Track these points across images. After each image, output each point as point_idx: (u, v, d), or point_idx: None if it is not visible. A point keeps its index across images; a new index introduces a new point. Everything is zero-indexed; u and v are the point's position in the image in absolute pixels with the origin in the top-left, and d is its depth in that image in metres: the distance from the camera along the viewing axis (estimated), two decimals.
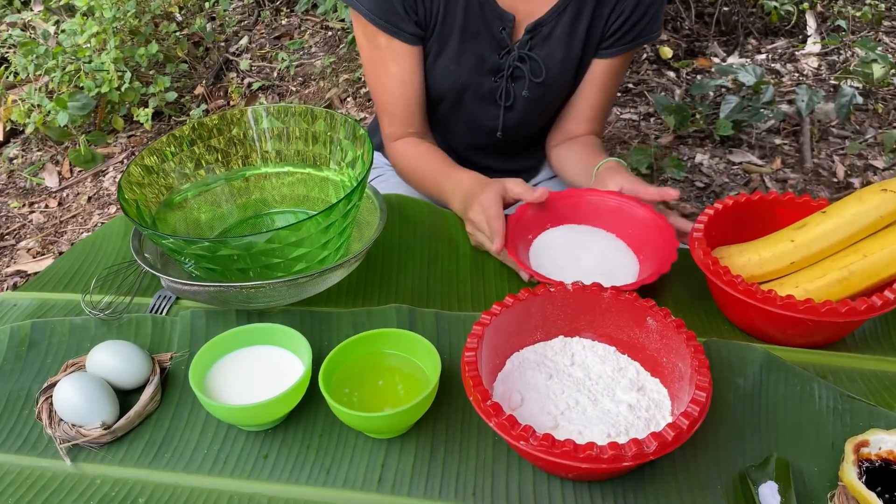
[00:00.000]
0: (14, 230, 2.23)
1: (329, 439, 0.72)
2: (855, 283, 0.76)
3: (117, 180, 2.35)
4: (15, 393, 0.79)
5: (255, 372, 0.75)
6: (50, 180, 2.41)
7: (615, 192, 0.95)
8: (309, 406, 0.75)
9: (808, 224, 0.79)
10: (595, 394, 0.72)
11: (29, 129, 2.39)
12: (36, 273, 2.02)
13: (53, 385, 0.77)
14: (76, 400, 0.72)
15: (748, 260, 0.81)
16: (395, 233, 0.99)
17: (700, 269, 0.82)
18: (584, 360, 0.76)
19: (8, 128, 2.58)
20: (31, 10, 3.20)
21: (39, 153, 2.53)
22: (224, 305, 0.85)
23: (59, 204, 2.32)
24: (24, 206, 2.32)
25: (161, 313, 0.88)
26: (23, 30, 3.03)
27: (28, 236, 2.19)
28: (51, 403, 0.75)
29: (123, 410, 0.75)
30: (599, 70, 1.11)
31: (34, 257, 2.09)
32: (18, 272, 2.04)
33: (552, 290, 0.76)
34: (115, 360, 0.76)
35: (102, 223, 2.19)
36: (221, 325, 0.83)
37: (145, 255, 0.84)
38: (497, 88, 1.09)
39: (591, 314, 0.77)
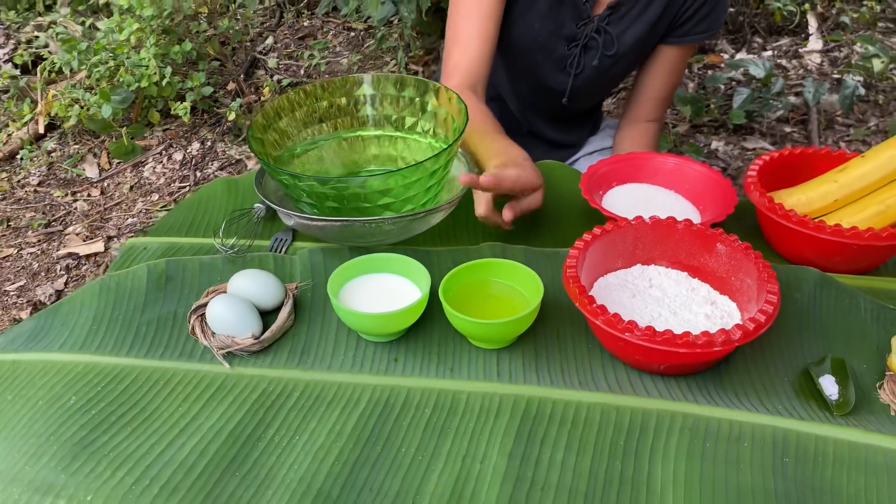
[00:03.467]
0: (59, 217, 2.33)
1: (447, 348, 0.84)
2: (891, 215, 0.89)
3: (156, 170, 2.47)
4: (163, 316, 0.90)
5: (381, 292, 0.87)
6: (90, 171, 2.51)
7: (672, 154, 1.08)
8: (426, 323, 0.87)
9: (848, 167, 0.92)
10: (674, 307, 0.85)
11: (70, 123, 2.50)
12: (87, 255, 2.13)
13: (200, 307, 0.88)
14: (228, 315, 0.84)
15: (797, 200, 0.94)
16: None
17: (750, 217, 0.95)
18: (661, 282, 0.88)
19: (46, 122, 2.68)
20: (58, 12, 3.31)
21: (77, 146, 2.63)
22: (340, 241, 0.96)
23: (102, 193, 2.42)
24: (66, 195, 2.42)
25: (281, 252, 0.99)
26: (45, 31, 3.14)
27: (74, 223, 2.29)
28: (202, 321, 0.87)
29: (265, 327, 0.86)
30: (669, 57, 1.22)
31: (84, 241, 2.19)
32: (70, 254, 2.14)
33: (633, 222, 0.89)
34: (254, 284, 0.88)
35: (147, 209, 2.30)
36: (336, 260, 0.95)
37: (267, 197, 0.96)
38: (568, 56, 1.21)
39: (665, 244, 0.90)
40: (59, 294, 2.03)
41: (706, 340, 0.72)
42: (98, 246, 2.16)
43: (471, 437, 0.73)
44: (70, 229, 2.26)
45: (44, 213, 2.35)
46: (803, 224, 0.88)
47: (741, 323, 0.75)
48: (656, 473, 0.68)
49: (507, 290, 0.88)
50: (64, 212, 2.35)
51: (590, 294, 0.84)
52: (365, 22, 3.00)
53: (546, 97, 1.29)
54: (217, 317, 0.84)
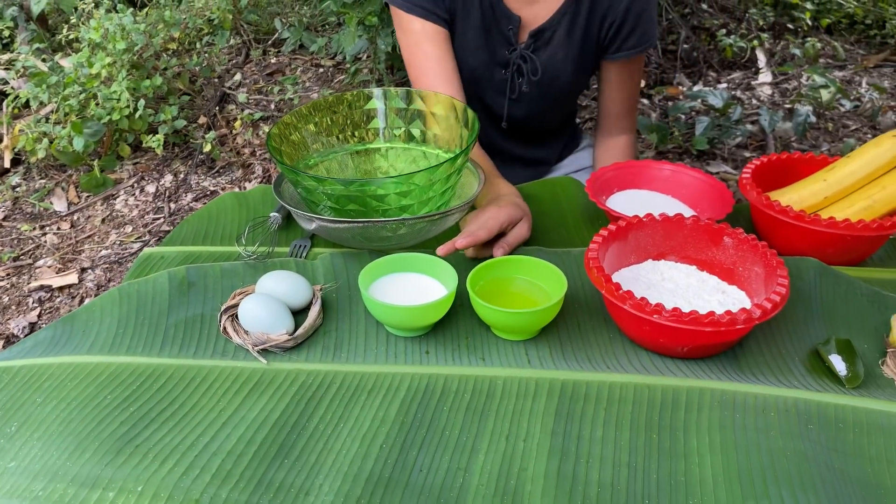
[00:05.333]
0: (29, 251, 2.28)
1: (475, 341, 0.87)
2: (877, 209, 0.96)
3: (128, 203, 2.45)
4: (190, 319, 0.91)
5: (409, 289, 0.89)
6: (59, 205, 2.47)
7: (668, 162, 1.14)
8: (452, 319, 0.90)
9: (836, 167, 0.99)
10: (688, 297, 0.90)
11: (39, 156, 2.46)
12: (60, 287, 2.09)
13: (229, 308, 0.89)
14: (261, 314, 0.85)
15: (790, 199, 1.01)
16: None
17: (743, 218, 1.01)
18: (672, 275, 0.93)
19: (10, 157, 2.63)
20: (18, 50, 3.27)
21: (43, 180, 2.59)
22: (360, 244, 0.99)
23: (72, 226, 2.38)
24: (34, 229, 2.38)
25: (300, 258, 1.01)
26: (6, 69, 3.11)
27: (45, 256, 2.25)
28: (233, 320, 0.88)
29: (297, 324, 0.88)
30: (614, 73, 1.30)
31: (57, 273, 2.15)
32: (42, 287, 2.10)
33: (645, 220, 0.94)
34: (284, 284, 0.90)
35: (121, 241, 2.27)
36: (357, 264, 0.97)
37: (286, 203, 0.98)
38: (506, 81, 1.28)
39: (674, 240, 0.95)
40: (32, 326, 1.98)
41: (730, 318, 0.76)
42: (72, 278, 2.12)
43: (511, 417, 0.76)
44: (41, 262, 2.21)
45: (11, 246, 2.30)
46: (800, 218, 0.94)
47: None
48: (692, 444, 0.72)
49: (529, 285, 0.92)
50: (33, 245, 2.30)
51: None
52: (333, 58, 3.06)
53: (492, 120, 1.36)
54: (251, 315, 0.85)
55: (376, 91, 1.12)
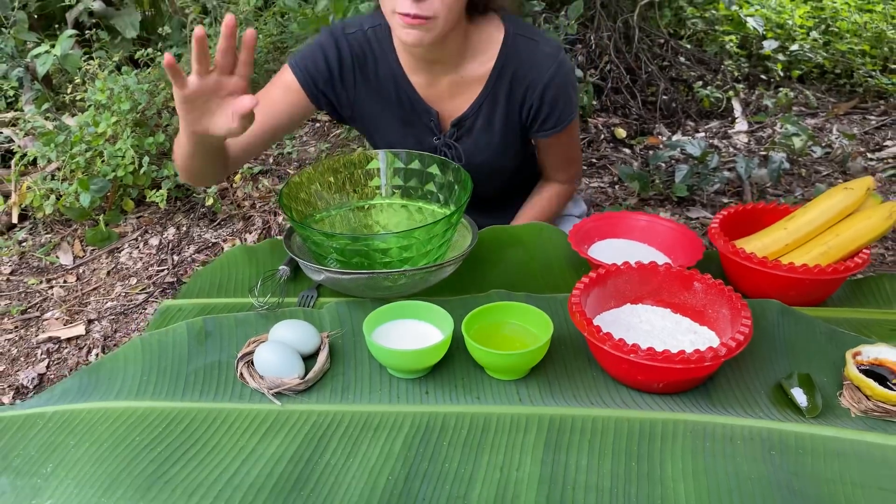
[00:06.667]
0: (36, 304, 2.35)
1: (470, 382, 0.95)
2: (833, 255, 1.06)
3: (132, 255, 2.53)
4: (208, 366, 0.99)
5: (409, 335, 0.98)
6: (64, 258, 2.55)
7: (644, 213, 1.24)
8: (449, 362, 0.98)
9: (795, 216, 1.10)
10: (663, 338, 0.99)
11: (46, 212, 2.55)
12: (68, 339, 2.17)
13: (245, 355, 0.98)
14: (275, 360, 0.94)
15: (754, 246, 1.11)
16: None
17: (713, 263, 1.11)
18: (649, 318, 1.02)
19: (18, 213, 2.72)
20: (22, 109, 3.39)
21: (49, 235, 2.68)
22: (364, 294, 1.08)
23: (78, 279, 2.46)
24: (41, 282, 2.45)
25: (308, 307, 1.10)
26: (11, 126, 3.22)
27: (51, 308, 2.32)
28: (249, 366, 0.96)
29: (307, 369, 0.96)
30: (544, 144, 1.39)
31: (64, 325, 2.22)
32: (50, 338, 2.17)
33: (622, 267, 1.03)
34: (294, 332, 0.98)
35: (126, 293, 2.35)
36: (361, 312, 1.06)
37: (296, 256, 1.07)
38: None
39: (649, 285, 1.04)
40: (41, 377, 2.04)
41: (698, 356, 0.85)
42: (79, 329, 2.20)
43: (505, 450, 0.84)
44: (48, 314, 2.29)
45: (18, 300, 2.37)
46: (763, 264, 1.04)
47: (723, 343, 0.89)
48: (667, 470, 0.80)
49: (519, 329, 1.01)
50: (40, 298, 2.37)
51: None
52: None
53: None
54: (265, 361, 0.94)
55: (378, 153, 1.22)
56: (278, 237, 1.31)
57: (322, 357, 0.97)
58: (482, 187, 1.41)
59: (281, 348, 0.95)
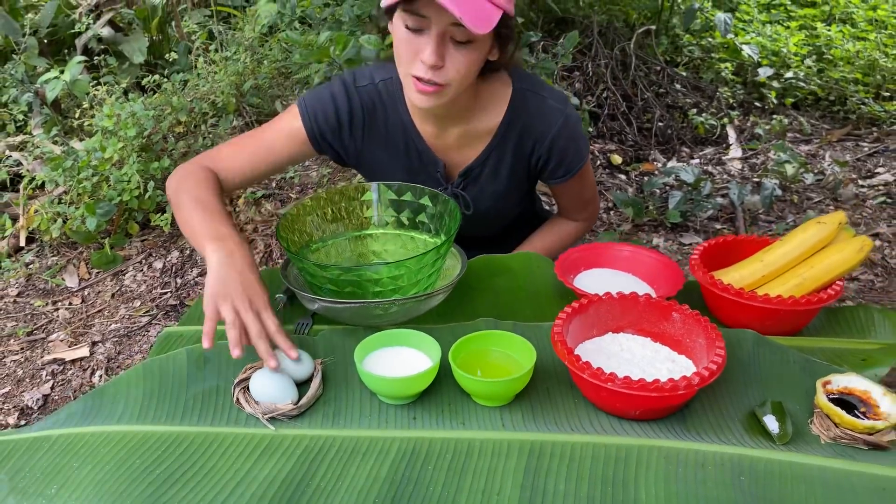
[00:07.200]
0: (41, 325, 2.40)
1: (456, 408, 1.00)
2: (807, 286, 1.10)
3: (137, 278, 2.58)
4: (207, 391, 1.03)
5: (398, 362, 1.02)
6: (70, 281, 2.61)
7: (628, 244, 1.29)
8: (436, 388, 1.02)
9: (771, 249, 1.14)
10: (642, 366, 1.03)
11: (53, 235, 2.61)
12: (72, 360, 2.21)
13: (242, 381, 1.02)
14: (270, 386, 0.98)
15: (732, 277, 1.15)
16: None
17: (695, 293, 1.15)
18: (629, 346, 1.07)
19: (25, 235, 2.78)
20: (31, 133, 3.46)
21: (55, 258, 2.73)
22: (356, 322, 1.12)
23: (83, 301, 2.51)
24: (47, 304, 2.51)
25: (303, 335, 1.14)
26: (20, 150, 3.30)
27: (57, 330, 2.37)
28: (245, 392, 1.00)
29: (300, 395, 1.00)
30: (556, 189, 1.44)
31: (69, 347, 2.27)
32: (55, 360, 2.22)
33: (604, 297, 1.08)
34: (288, 360, 1.03)
35: (130, 315, 2.40)
36: (353, 339, 1.10)
37: (291, 285, 1.12)
38: None
39: (630, 315, 1.09)
40: (45, 398, 2.09)
41: (672, 385, 0.90)
42: (83, 351, 2.24)
43: (487, 475, 0.88)
44: (53, 336, 2.33)
45: (25, 322, 2.43)
46: (739, 295, 1.08)
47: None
48: (641, 495, 0.84)
49: (503, 357, 1.05)
50: (46, 320, 2.42)
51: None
52: None
53: None
54: (260, 388, 0.98)
55: (372, 185, 1.27)
56: (279, 261, 1.36)
57: (315, 383, 1.01)
58: (484, 229, 1.46)
59: (275, 375, 0.99)
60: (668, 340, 1.06)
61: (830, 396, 0.96)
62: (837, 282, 1.11)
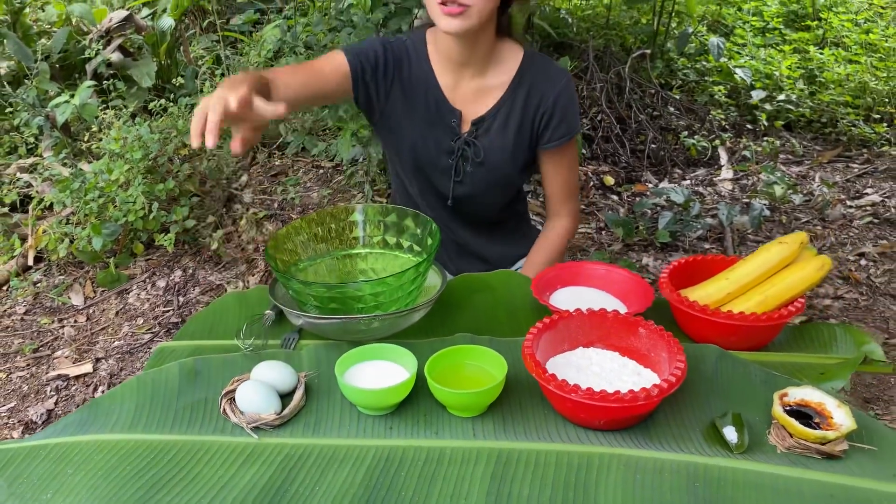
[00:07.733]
0: (47, 342, 2.47)
1: (431, 418, 1.05)
2: (770, 303, 1.15)
3: (140, 297, 2.65)
4: (196, 402, 1.09)
5: (377, 375, 1.08)
6: (76, 299, 2.68)
7: (602, 263, 1.35)
8: (413, 399, 1.08)
9: (736, 268, 1.19)
10: (610, 379, 1.08)
11: (60, 254, 2.69)
12: (76, 376, 2.28)
13: (229, 392, 1.08)
14: (255, 397, 1.04)
15: (699, 295, 1.20)
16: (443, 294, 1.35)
17: (664, 309, 1.20)
18: (599, 360, 1.12)
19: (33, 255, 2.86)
20: (41, 156, 3.56)
21: (62, 276, 2.81)
22: (340, 337, 1.18)
23: (88, 319, 2.58)
24: (53, 321, 2.58)
25: (289, 349, 1.20)
26: (30, 171, 3.39)
27: (62, 347, 2.44)
28: (231, 402, 1.06)
29: (283, 406, 1.06)
30: (547, 160, 1.54)
31: (73, 363, 2.33)
32: (60, 376, 2.28)
33: (574, 314, 1.13)
34: (273, 372, 1.08)
35: (133, 333, 2.47)
36: (337, 353, 1.16)
37: (279, 303, 1.18)
38: (450, 166, 1.52)
39: (599, 330, 1.14)
40: (49, 413, 2.15)
41: (632, 396, 0.95)
42: (87, 367, 2.31)
43: (455, 481, 0.93)
44: (59, 353, 2.40)
45: (31, 339, 2.50)
46: (704, 311, 1.13)
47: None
48: (600, 499, 0.89)
49: (477, 370, 1.10)
50: (51, 337, 2.49)
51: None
52: (332, 161, 3.32)
53: (436, 199, 1.59)
54: (246, 398, 1.04)
55: (358, 207, 1.34)
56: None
57: (298, 395, 1.07)
58: (481, 195, 1.56)
59: (260, 386, 1.05)
60: (635, 354, 1.11)
61: (786, 408, 1.01)
62: (799, 299, 1.16)
